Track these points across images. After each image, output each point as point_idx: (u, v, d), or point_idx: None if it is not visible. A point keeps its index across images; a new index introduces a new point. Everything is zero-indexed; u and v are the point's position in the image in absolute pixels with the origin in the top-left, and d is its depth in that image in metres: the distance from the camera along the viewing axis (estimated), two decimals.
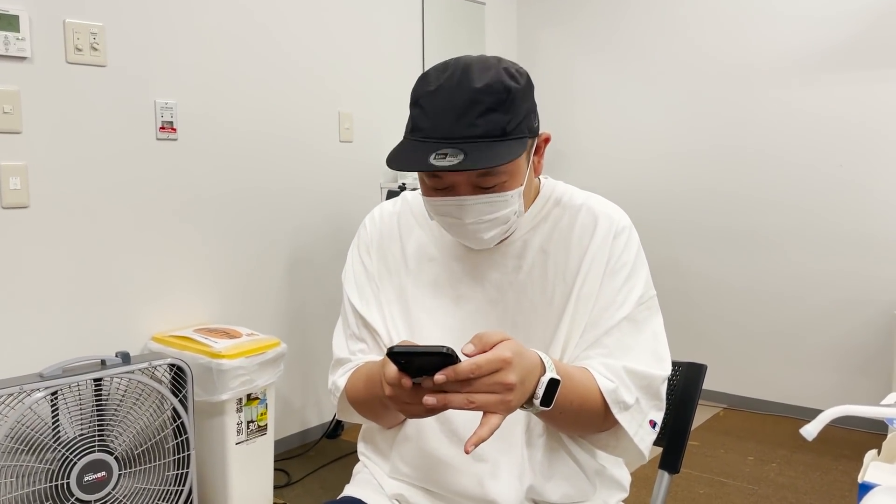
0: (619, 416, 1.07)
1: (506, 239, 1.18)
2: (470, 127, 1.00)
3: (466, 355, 0.91)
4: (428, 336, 1.18)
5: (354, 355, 1.24)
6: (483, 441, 0.90)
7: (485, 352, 0.91)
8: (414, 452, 1.19)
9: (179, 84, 2.68)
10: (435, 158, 0.99)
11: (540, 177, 1.23)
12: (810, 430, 0.76)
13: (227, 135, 2.86)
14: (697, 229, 3.83)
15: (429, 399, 0.90)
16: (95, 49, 2.42)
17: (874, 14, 3.27)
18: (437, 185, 1.08)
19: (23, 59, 2.26)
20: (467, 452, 0.89)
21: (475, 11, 4.05)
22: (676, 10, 3.81)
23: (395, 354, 0.90)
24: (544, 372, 0.97)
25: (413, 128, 1.06)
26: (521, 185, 1.09)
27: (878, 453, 0.93)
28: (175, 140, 2.68)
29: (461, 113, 1.01)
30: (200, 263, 2.80)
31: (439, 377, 0.87)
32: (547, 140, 1.15)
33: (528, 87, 1.08)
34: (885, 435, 1.01)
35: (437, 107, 1.03)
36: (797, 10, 3.46)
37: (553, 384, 0.96)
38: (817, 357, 3.53)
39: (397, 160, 1.04)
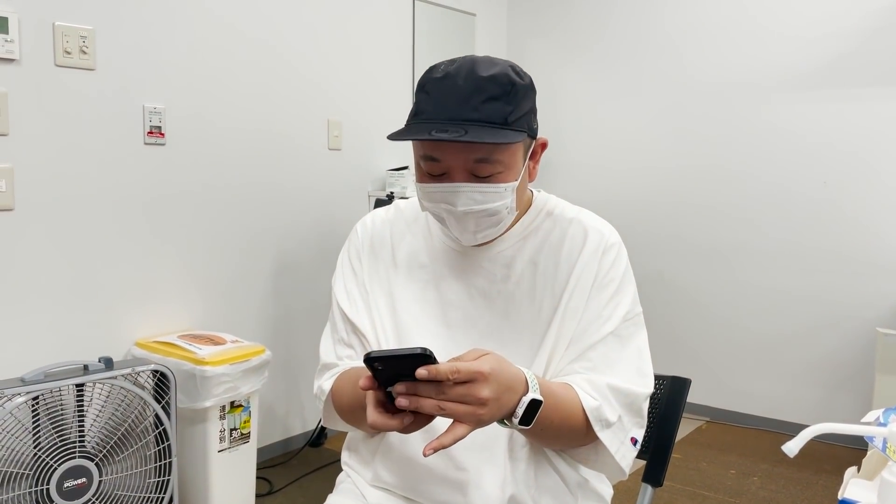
0: (601, 433, 1.08)
1: (495, 242, 1.18)
2: (473, 111, 1.03)
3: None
4: (416, 342, 1.18)
5: (341, 360, 1.24)
6: (443, 448, 0.90)
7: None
8: (397, 461, 1.19)
9: (168, 89, 2.68)
10: (436, 131, 1.01)
11: (532, 189, 1.24)
12: (792, 448, 0.77)
13: (216, 140, 2.85)
14: (682, 243, 3.86)
15: (401, 401, 0.90)
16: (85, 52, 2.41)
17: (859, 33, 3.32)
18: (434, 170, 1.08)
19: (11, 61, 2.25)
20: (425, 455, 0.90)
21: (465, 21, 4.07)
22: (664, 25, 3.84)
23: (371, 360, 0.89)
24: (527, 391, 0.97)
25: (416, 112, 1.08)
26: (516, 180, 1.10)
27: (858, 470, 0.94)
28: (163, 145, 2.67)
29: (465, 98, 1.04)
30: (186, 269, 2.79)
31: (420, 371, 0.87)
32: (544, 146, 1.17)
33: (532, 88, 1.11)
34: (866, 451, 1.02)
35: (443, 91, 1.05)
36: (782, 28, 3.50)
37: (534, 405, 0.97)
38: (799, 372, 3.55)
39: (399, 133, 1.06)
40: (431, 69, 1.10)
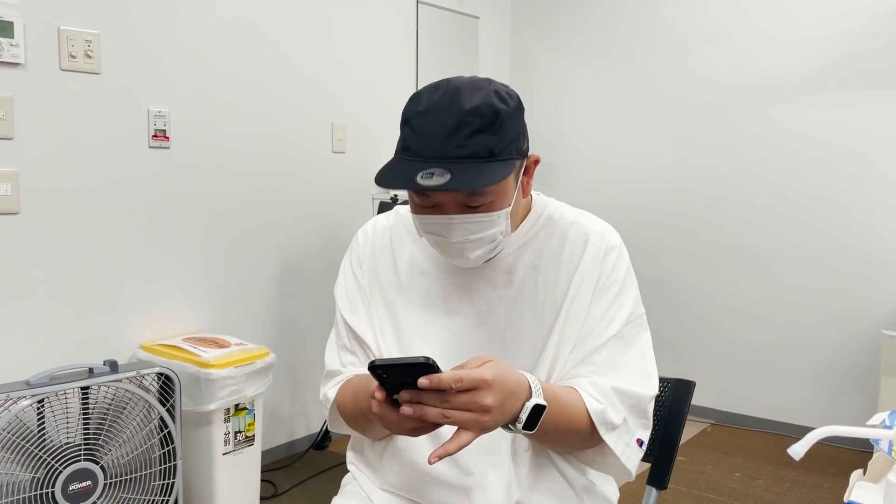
0: (607, 436, 1.08)
1: (494, 257, 1.18)
2: (458, 148, 1.01)
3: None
4: (417, 349, 1.18)
5: (345, 367, 1.24)
6: (448, 455, 0.90)
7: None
8: (403, 465, 1.19)
9: (173, 93, 2.69)
10: (422, 178, 1.00)
11: (532, 193, 1.23)
12: (797, 450, 0.77)
13: (220, 144, 2.86)
14: (685, 246, 3.85)
15: (406, 409, 0.90)
16: (90, 56, 2.42)
17: (860, 36, 3.31)
18: (425, 203, 1.08)
19: (16, 65, 2.26)
20: (430, 463, 0.90)
21: (469, 25, 4.07)
22: (666, 28, 3.84)
23: (375, 368, 0.90)
24: (531, 396, 0.97)
25: (403, 147, 1.06)
26: (509, 205, 1.09)
27: (864, 473, 0.94)
28: (167, 148, 2.68)
29: (450, 133, 1.01)
30: (190, 272, 2.79)
31: (422, 381, 0.88)
32: (536, 162, 1.16)
33: (518, 109, 1.08)
34: (871, 453, 1.02)
35: (427, 127, 1.03)
36: (785, 31, 3.49)
37: (538, 410, 0.97)
38: (805, 374, 3.54)
39: (385, 178, 1.04)
40: (414, 99, 1.08)
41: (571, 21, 4.18)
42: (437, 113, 1.03)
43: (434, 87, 1.07)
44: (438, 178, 0.99)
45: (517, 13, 4.38)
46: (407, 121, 1.07)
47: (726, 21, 3.66)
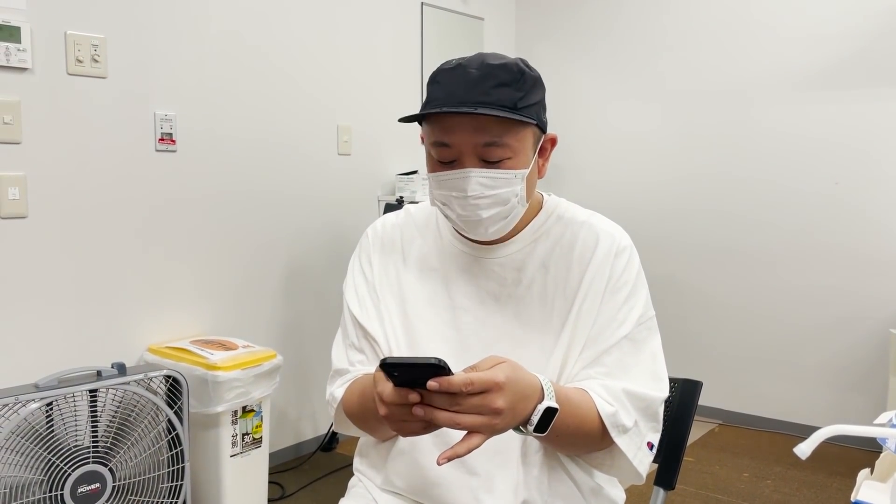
0: (618, 439, 1.08)
1: (505, 245, 1.18)
2: (483, 94, 1.05)
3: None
4: (426, 346, 1.18)
5: (353, 366, 1.24)
6: (458, 457, 0.90)
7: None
8: (408, 466, 1.19)
9: (179, 96, 2.70)
10: (446, 108, 1.04)
11: (542, 193, 1.24)
12: (804, 450, 0.77)
13: (226, 147, 2.87)
14: (693, 246, 3.84)
15: (417, 410, 0.90)
16: (96, 61, 2.43)
17: (866, 34, 3.30)
18: (444, 157, 1.09)
19: (24, 69, 2.27)
20: (439, 464, 0.90)
21: (474, 26, 4.07)
22: (672, 27, 3.84)
23: (387, 366, 0.89)
24: (542, 398, 0.97)
25: (428, 100, 1.10)
26: (526, 168, 1.10)
27: (871, 472, 0.94)
28: (174, 152, 2.69)
29: (476, 83, 1.05)
30: (197, 275, 2.80)
31: (431, 383, 0.87)
32: (553, 141, 1.18)
33: (541, 82, 1.13)
34: (880, 453, 1.01)
35: (454, 80, 1.07)
36: (793, 29, 3.48)
37: (549, 412, 0.97)
38: (813, 374, 3.53)
39: (409, 116, 1.09)
40: (444, 63, 1.12)
41: (576, 22, 4.17)
42: (465, 68, 1.07)
43: (463, 56, 1.12)
44: (464, 108, 1.03)
45: (521, 14, 4.38)
46: (434, 78, 1.11)
47: (733, 18, 3.66)
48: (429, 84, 1.11)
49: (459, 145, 1.07)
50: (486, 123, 1.05)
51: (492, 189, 1.08)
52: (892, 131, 3.28)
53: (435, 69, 1.12)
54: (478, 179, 1.07)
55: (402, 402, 0.91)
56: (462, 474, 1.14)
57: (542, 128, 1.13)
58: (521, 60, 1.11)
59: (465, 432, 0.92)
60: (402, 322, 1.22)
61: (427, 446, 1.16)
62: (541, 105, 1.12)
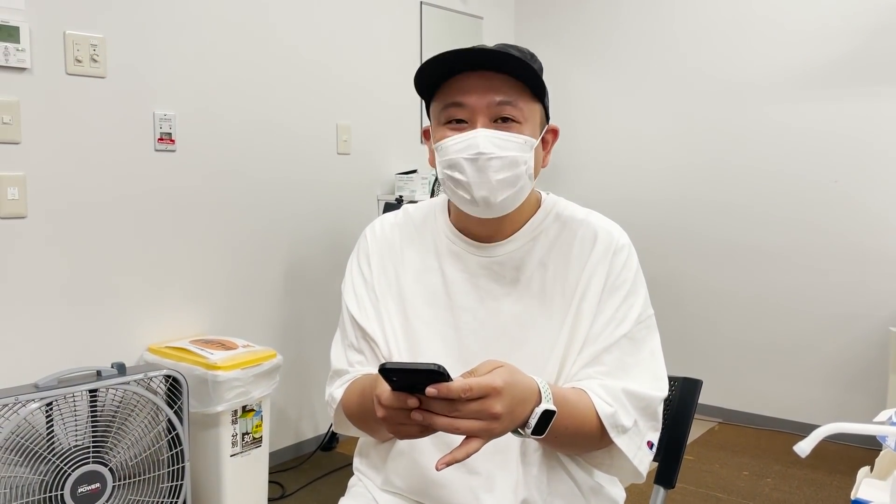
0: (618, 439, 1.08)
1: (504, 244, 1.18)
2: (497, 54, 1.07)
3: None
4: (426, 346, 1.18)
5: (352, 367, 1.24)
6: (457, 462, 0.90)
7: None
8: (408, 466, 1.19)
9: (178, 96, 2.70)
10: (463, 50, 1.06)
11: (542, 192, 1.24)
12: (804, 448, 0.77)
13: (226, 146, 2.87)
14: (693, 244, 3.84)
15: (416, 415, 0.90)
16: (95, 61, 2.43)
17: (868, 31, 3.30)
18: (456, 115, 1.11)
19: (23, 70, 2.27)
20: (438, 469, 0.90)
21: (473, 25, 4.07)
22: (673, 25, 3.84)
23: (386, 371, 0.89)
24: (540, 401, 0.97)
25: (435, 62, 1.10)
26: (535, 139, 1.12)
27: (871, 470, 0.94)
28: (173, 151, 2.69)
29: (487, 49, 1.08)
30: (197, 274, 2.80)
31: (430, 390, 0.88)
32: (555, 133, 1.20)
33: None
34: (879, 451, 1.01)
35: (460, 50, 1.08)
36: (792, 26, 3.48)
37: (547, 415, 0.97)
38: (813, 372, 3.53)
39: (433, 57, 1.09)
40: None
41: (575, 20, 4.17)
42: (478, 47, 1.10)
43: None
44: (490, 46, 1.08)
45: (520, 13, 4.38)
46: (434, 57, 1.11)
47: (733, 15, 3.65)
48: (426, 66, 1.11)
49: (474, 104, 1.09)
50: (500, 84, 1.08)
51: (503, 150, 1.09)
52: (893, 129, 3.28)
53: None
54: (490, 139, 1.08)
55: (400, 406, 0.91)
56: (462, 474, 1.14)
57: (547, 114, 1.16)
58: (529, 51, 1.16)
59: (464, 437, 0.92)
60: (400, 322, 1.22)
61: (427, 447, 1.16)
62: (546, 93, 1.15)
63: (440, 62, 1.08)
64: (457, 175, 1.10)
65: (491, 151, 1.08)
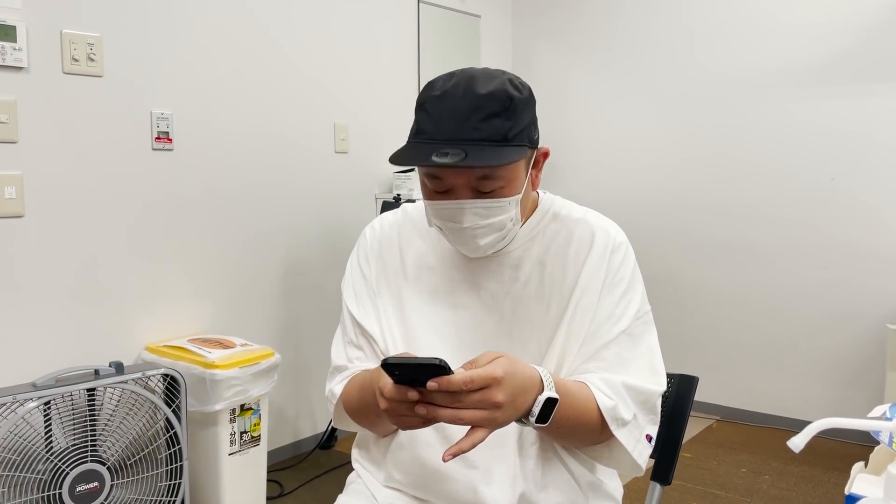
0: (617, 432, 1.09)
1: (502, 249, 1.19)
2: (473, 130, 1.03)
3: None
4: (424, 344, 1.19)
5: (352, 363, 1.25)
6: (463, 453, 0.91)
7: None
8: (408, 460, 1.19)
9: (175, 94, 2.69)
10: (437, 156, 1.01)
11: (538, 190, 1.24)
12: (797, 443, 0.77)
13: (223, 145, 2.87)
14: (690, 240, 3.85)
15: (420, 408, 0.91)
16: (92, 59, 2.43)
17: (865, 29, 3.31)
18: (438, 188, 1.10)
19: (20, 69, 2.27)
20: (444, 461, 0.91)
21: (470, 24, 4.07)
22: (670, 23, 3.84)
23: (388, 365, 0.90)
24: (542, 390, 0.98)
25: (417, 131, 1.08)
26: (519, 193, 1.11)
27: (866, 466, 0.94)
28: (171, 150, 2.69)
29: (465, 117, 1.04)
30: (195, 273, 2.80)
31: (431, 384, 0.89)
32: (546, 155, 1.18)
33: (531, 99, 1.11)
34: (875, 448, 1.02)
35: (442, 110, 1.05)
36: (789, 24, 3.49)
37: (550, 403, 0.98)
38: (810, 369, 3.54)
39: (401, 157, 1.06)
40: (429, 86, 1.10)
41: (573, 17, 4.17)
42: (453, 97, 1.05)
43: (449, 76, 1.09)
44: (453, 157, 1.01)
45: (518, 11, 4.38)
46: (422, 105, 1.09)
47: (729, 14, 3.66)
48: (417, 109, 1.10)
49: (452, 180, 1.08)
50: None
51: (486, 218, 1.09)
52: (890, 126, 3.29)
53: (422, 92, 1.10)
54: (473, 210, 1.08)
55: (402, 399, 0.92)
56: (461, 468, 1.14)
57: (533, 146, 1.12)
58: (510, 80, 1.08)
59: (468, 428, 0.93)
60: (399, 320, 1.23)
61: (426, 440, 1.16)
62: (532, 124, 1.11)
63: (411, 158, 1.06)
64: (444, 233, 1.15)
65: (475, 223, 1.09)
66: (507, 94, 1.05)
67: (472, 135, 1.03)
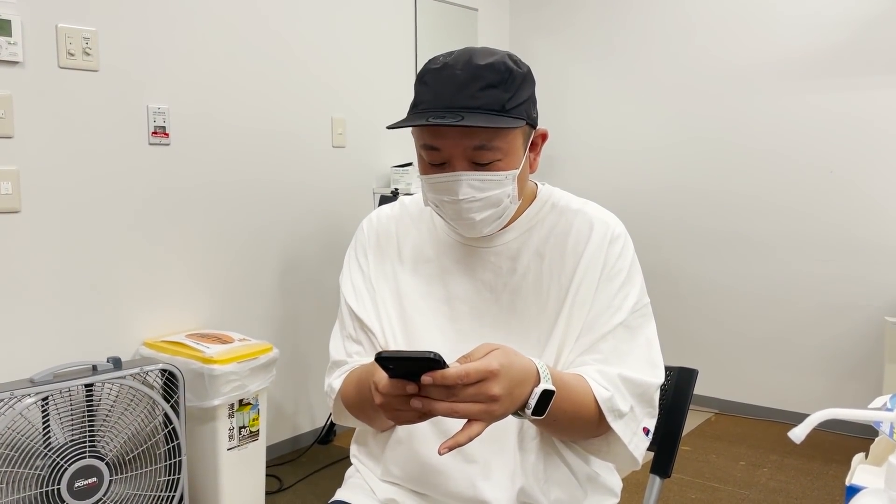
0: (614, 424, 1.08)
1: (500, 235, 1.18)
2: (470, 98, 1.04)
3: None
4: (423, 337, 1.18)
5: (351, 357, 1.24)
6: (459, 446, 0.91)
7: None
8: (406, 455, 1.19)
9: (172, 89, 2.68)
10: (434, 117, 1.02)
11: (537, 182, 1.24)
12: (798, 434, 0.77)
13: (220, 140, 2.86)
14: (689, 233, 3.85)
15: (415, 402, 0.90)
16: (88, 54, 2.42)
17: (864, 21, 3.30)
18: (435, 160, 1.09)
19: (15, 63, 2.26)
20: (440, 454, 0.90)
21: (468, 17, 4.06)
22: (667, 16, 3.83)
23: (383, 360, 0.90)
24: (539, 382, 0.97)
25: (416, 102, 1.09)
26: (516, 168, 1.10)
27: (866, 456, 0.94)
28: (167, 145, 2.68)
29: (463, 86, 1.04)
30: (192, 268, 2.80)
31: (425, 378, 0.88)
32: (544, 137, 1.17)
33: (530, 77, 1.11)
34: (875, 440, 1.01)
35: (441, 81, 1.06)
36: (788, 16, 3.48)
37: (547, 395, 0.97)
38: (808, 361, 3.54)
39: (397, 122, 1.07)
40: (430, 61, 1.10)
41: (570, 10, 4.16)
42: (452, 69, 1.06)
43: (449, 52, 1.10)
44: (450, 119, 1.01)
45: (515, 4, 4.37)
46: (422, 78, 1.10)
47: (727, 9, 3.65)
48: (416, 83, 1.10)
49: (449, 149, 1.07)
50: (474, 128, 1.04)
51: (483, 191, 1.08)
52: (889, 119, 3.28)
53: (423, 66, 1.11)
54: (469, 182, 1.07)
55: (398, 393, 0.92)
56: (459, 462, 1.14)
57: (532, 124, 1.12)
58: (509, 56, 1.09)
59: (465, 421, 0.92)
60: (398, 313, 1.22)
61: (425, 435, 1.16)
62: (530, 101, 1.11)
63: (408, 121, 1.07)
64: (440, 211, 1.14)
65: (471, 195, 1.08)
66: (506, 66, 1.06)
67: (470, 103, 1.04)
